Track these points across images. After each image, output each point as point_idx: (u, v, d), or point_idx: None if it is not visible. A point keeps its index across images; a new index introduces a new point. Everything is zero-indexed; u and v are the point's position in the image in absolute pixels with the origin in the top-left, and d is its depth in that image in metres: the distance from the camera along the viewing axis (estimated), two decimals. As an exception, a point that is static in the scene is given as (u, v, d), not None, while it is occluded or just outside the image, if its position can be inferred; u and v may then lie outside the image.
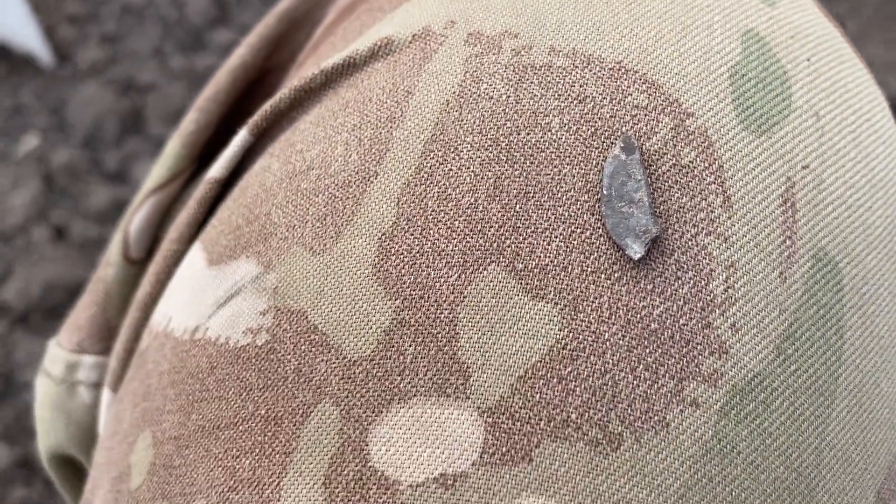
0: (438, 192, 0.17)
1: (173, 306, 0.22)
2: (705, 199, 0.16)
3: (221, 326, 0.19)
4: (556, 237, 0.16)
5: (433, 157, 0.17)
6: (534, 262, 0.16)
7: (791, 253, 0.16)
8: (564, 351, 0.16)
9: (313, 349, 0.17)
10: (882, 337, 0.17)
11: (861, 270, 0.17)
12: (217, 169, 0.22)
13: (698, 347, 0.16)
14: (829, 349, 0.17)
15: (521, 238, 0.16)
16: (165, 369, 0.20)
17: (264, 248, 0.19)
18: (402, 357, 0.16)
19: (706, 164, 0.16)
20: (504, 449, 0.16)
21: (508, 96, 0.17)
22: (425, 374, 0.16)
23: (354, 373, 0.17)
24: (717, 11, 0.18)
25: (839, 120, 0.18)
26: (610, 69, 0.17)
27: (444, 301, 0.16)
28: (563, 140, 0.17)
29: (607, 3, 0.18)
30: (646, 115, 0.16)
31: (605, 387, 0.16)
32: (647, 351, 0.16)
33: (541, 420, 0.16)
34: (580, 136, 0.16)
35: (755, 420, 0.16)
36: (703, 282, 0.16)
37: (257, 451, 0.17)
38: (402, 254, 0.17)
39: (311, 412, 0.17)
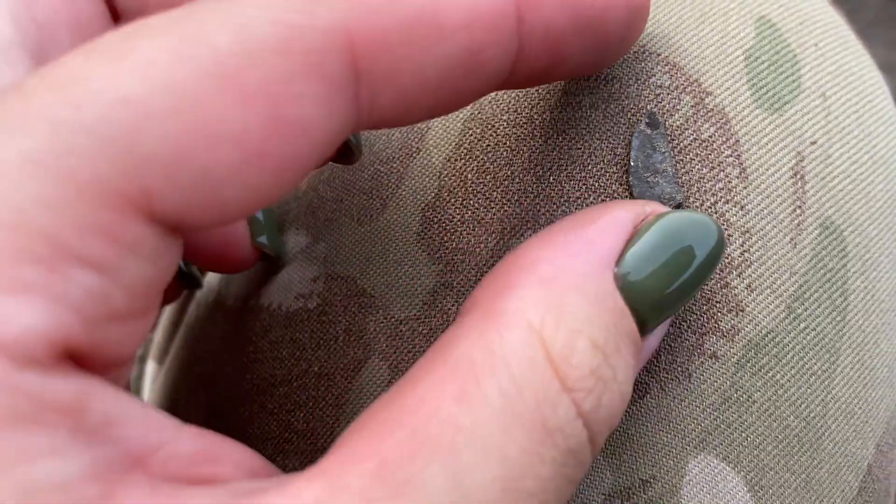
0: (477, 166, 0.18)
1: (220, 279, 0.23)
2: (723, 171, 0.18)
3: (274, 294, 0.20)
4: (587, 205, 0.18)
5: (472, 134, 0.19)
6: None
7: (801, 221, 0.18)
8: None
9: (363, 311, 0.19)
10: (882, 301, 0.19)
11: (864, 239, 0.19)
12: None
13: (717, 305, 0.17)
14: (835, 310, 0.18)
15: (555, 206, 0.18)
16: (218, 335, 0.22)
17: (313, 220, 0.20)
18: (445, 316, 0.18)
19: (724, 139, 0.18)
20: None
21: None
22: None
23: (401, 331, 0.18)
24: (732, 0, 0.19)
25: (844, 101, 0.19)
26: (635, 52, 0.18)
27: (485, 264, 0.18)
28: (593, 117, 0.18)
29: None
30: (668, 94, 0.18)
31: None
32: None
33: None
34: (609, 113, 0.18)
35: (769, 373, 0.17)
36: None
37: (311, 404, 0.19)
38: (444, 222, 0.18)
39: (361, 368, 0.18)
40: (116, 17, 0.16)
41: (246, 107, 0.11)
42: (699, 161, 0.18)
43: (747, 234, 0.17)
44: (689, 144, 0.18)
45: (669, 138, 0.18)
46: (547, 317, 0.13)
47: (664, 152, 0.18)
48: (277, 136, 0.12)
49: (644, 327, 0.15)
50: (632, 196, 0.18)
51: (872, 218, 0.19)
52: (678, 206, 0.17)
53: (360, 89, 0.12)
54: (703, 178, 0.18)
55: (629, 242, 0.15)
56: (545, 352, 0.13)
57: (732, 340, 0.17)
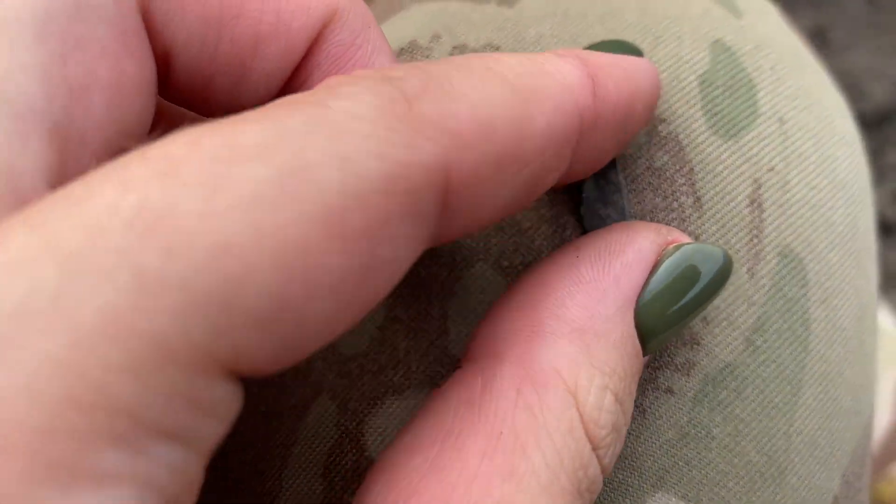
0: None
1: None
2: (677, 200, 0.17)
3: None
4: (539, 236, 0.17)
5: None
6: (518, 259, 0.17)
7: (759, 250, 0.17)
8: None
9: None
10: (845, 329, 0.18)
11: (825, 266, 0.18)
12: None
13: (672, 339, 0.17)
14: (796, 340, 0.18)
15: (507, 237, 0.17)
16: None
17: None
18: (395, 351, 0.17)
19: (678, 167, 0.17)
20: None
21: None
22: (418, 368, 0.17)
23: (350, 368, 0.18)
24: (686, 22, 0.19)
25: (802, 124, 0.19)
26: None
27: (435, 297, 0.17)
28: None
29: (583, 16, 0.19)
30: None
31: None
32: None
33: None
34: None
35: (728, 407, 0.17)
36: None
37: (259, 444, 0.18)
38: None
39: (309, 406, 0.18)
40: (170, 80, 0.14)
41: (347, 253, 0.10)
42: (652, 190, 0.17)
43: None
44: (643, 173, 0.17)
45: (623, 167, 0.17)
46: (580, 377, 0.13)
47: (616, 182, 0.17)
48: (369, 281, 0.10)
49: (644, 350, 0.15)
50: (583, 228, 0.17)
51: (833, 244, 0.18)
52: None
53: (441, 219, 0.12)
54: (657, 207, 0.17)
55: (650, 276, 0.15)
56: (580, 416, 0.13)
57: (688, 375, 0.17)
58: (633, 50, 0.17)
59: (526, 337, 0.14)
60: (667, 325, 0.15)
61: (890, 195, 0.83)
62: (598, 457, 0.13)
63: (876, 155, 0.87)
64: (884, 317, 0.54)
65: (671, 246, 0.15)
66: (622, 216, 0.17)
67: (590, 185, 0.17)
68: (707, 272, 0.15)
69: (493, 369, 0.13)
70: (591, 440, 0.13)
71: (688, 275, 0.15)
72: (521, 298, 0.14)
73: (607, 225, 0.17)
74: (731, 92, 0.18)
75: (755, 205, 0.17)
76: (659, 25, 0.18)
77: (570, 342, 0.14)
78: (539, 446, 0.12)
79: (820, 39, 0.95)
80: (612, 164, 0.17)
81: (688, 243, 0.15)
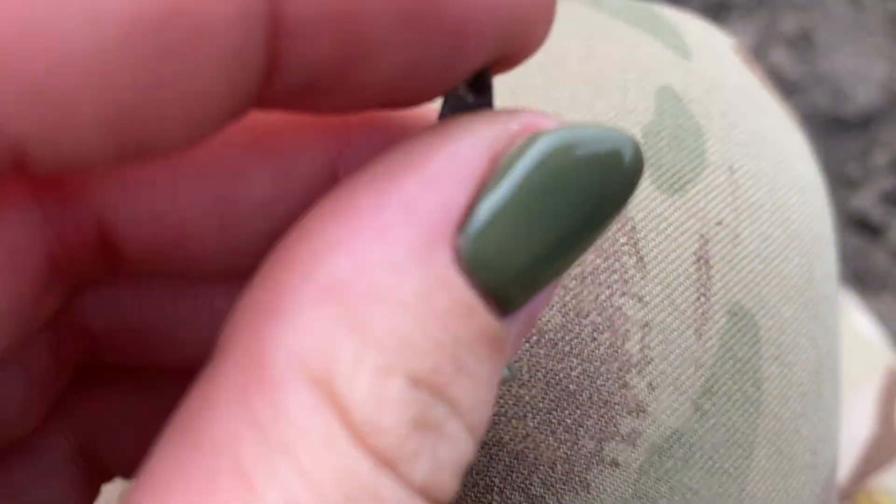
0: None
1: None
2: (619, 261, 0.16)
3: None
4: None
5: None
6: None
7: (706, 310, 0.17)
8: None
9: None
10: (801, 384, 0.18)
11: (777, 321, 0.17)
12: None
13: (616, 408, 0.16)
14: (747, 401, 0.17)
15: None
16: None
17: None
18: None
19: (619, 226, 0.17)
20: None
21: None
22: None
23: None
24: (632, 69, 0.18)
25: (754, 172, 0.18)
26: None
27: None
28: None
29: (524, 66, 0.18)
30: None
31: (526, 450, 0.16)
32: (567, 413, 0.16)
33: (464, 486, 0.16)
34: None
35: (675, 476, 0.16)
36: (619, 342, 0.16)
37: None
38: None
39: None
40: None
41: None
42: (593, 251, 0.16)
43: (647, 329, 0.16)
44: None
45: None
46: (338, 358, 0.09)
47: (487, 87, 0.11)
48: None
49: (507, 306, 0.10)
50: None
51: (787, 297, 0.18)
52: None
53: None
54: (598, 269, 0.16)
55: (483, 189, 0.09)
56: (341, 418, 0.09)
57: (634, 445, 0.16)
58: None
59: (261, 313, 0.09)
60: (529, 265, 0.10)
61: (875, 197, 0.83)
62: (400, 475, 0.09)
63: (861, 157, 0.86)
64: (864, 324, 0.54)
65: (525, 136, 0.10)
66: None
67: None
68: (592, 168, 0.10)
69: (214, 372, 0.09)
70: (372, 452, 0.09)
71: (555, 178, 0.09)
72: (276, 257, 0.10)
73: None
74: (677, 143, 0.17)
75: (702, 262, 0.17)
76: (602, 73, 0.18)
77: (320, 309, 0.09)
78: (275, 479, 0.08)
79: (805, 42, 0.95)
80: (481, 91, 0.11)
81: (550, 129, 0.10)
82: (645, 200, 0.17)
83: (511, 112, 0.10)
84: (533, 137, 0.10)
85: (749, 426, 0.17)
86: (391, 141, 0.10)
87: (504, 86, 0.18)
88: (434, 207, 0.09)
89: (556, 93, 0.17)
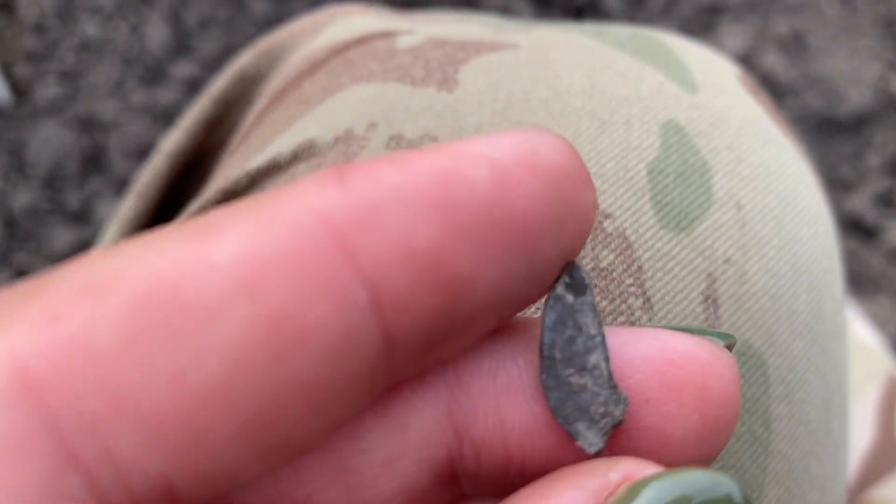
0: None
1: None
2: (625, 302, 0.16)
3: None
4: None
5: None
6: None
7: None
8: None
9: None
10: (810, 421, 0.17)
11: (786, 360, 0.17)
12: None
13: None
14: (756, 442, 0.17)
15: None
16: None
17: None
18: None
19: (625, 267, 0.16)
20: None
21: None
22: None
23: None
24: (636, 104, 0.18)
25: (761, 207, 0.17)
26: None
27: None
28: None
29: (525, 102, 0.17)
30: None
31: None
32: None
33: None
34: None
35: None
36: None
37: None
38: None
39: None
40: None
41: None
42: (599, 293, 0.16)
43: None
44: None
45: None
46: None
47: (594, 335, 0.11)
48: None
49: None
50: (548, 406, 0.11)
51: (796, 333, 0.17)
52: (618, 424, 0.11)
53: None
54: (604, 311, 0.16)
55: None
56: None
57: None
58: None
59: None
60: None
61: (868, 199, 0.83)
62: None
63: (855, 158, 0.87)
64: (864, 331, 0.54)
65: (622, 488, 0.10)
66: (607, 389, 0.11)
67: (553, 339, 0.12)
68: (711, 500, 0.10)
69: None
70: None
71: None
72: None
73: (583, 402, 0.11)
74: (682, 179, 0.17)
75: (709, 301, 0.16)
76: (606, 108, 0.17)
77: None
78: None
79: (797, 44, 0.95)
80: (587, 305, 0.12)
81: (653, 476, 0.10)
82: (651, 240, 0.16)
83: (611, 460, 0.11)
84: (636, 487, 0.10)
85: (758, 467, 0.17)
86: (499, 365, 0.12)
87: (507, 123, 0.17)
88: None
89: (559, 129, 0.17)
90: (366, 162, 0.10)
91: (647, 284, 0.16)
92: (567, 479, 0.10)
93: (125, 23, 0.99)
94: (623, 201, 0.16)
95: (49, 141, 0.91)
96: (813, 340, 0.18)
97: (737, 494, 0.10)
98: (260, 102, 0.23)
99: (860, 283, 0.78)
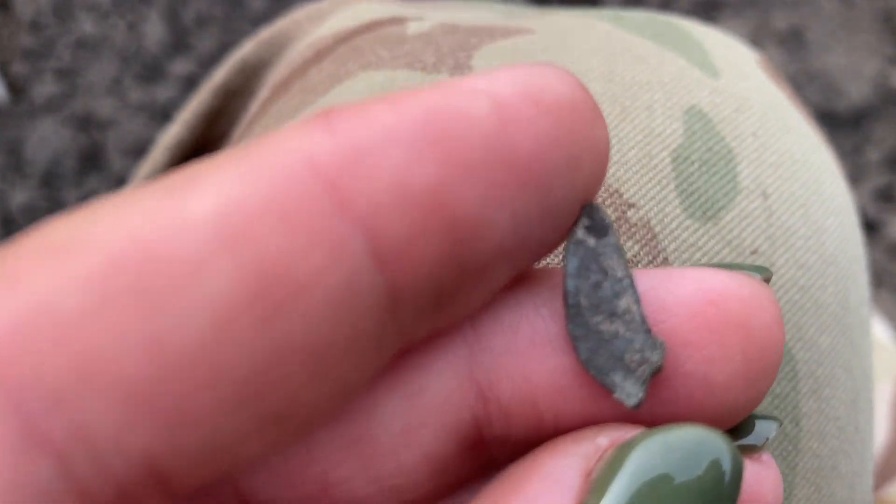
0: None
1: None
2: None
3: None
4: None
5: None
6: None
7: None
8: None
9: None
10: (839, 418, 0.17)
11: (815, 354, 0.17)
12: None
13: None
14: (785, 440, 0.16)
15: None
16: None
17: None
18: None
19: (651, 258, 0.16)
20: None
21: None
22: None
23: None
24: (658, 89, 0.17)
25: (787, 196, 0.17)
26: None
27: None
28: None
29: None
30: None
31: None
32: None
33: None
34: None
35: None
36: None
37: None
38: None
39: None
40: None
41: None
42: None
43: None
44: None
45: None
46: None
47: (622, 278, 0.11)
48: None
49: None
50: (578, 358, 0.11)
51: (824, 327, 0.17)
52: (657, 371, 0.11)
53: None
54: None
55: None
56: None
57: None
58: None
59: None
60: None
61: (869, 193, 0.83)
62: None
63: (854, 153, 0.86)
64: (876, 326, 0.53)
65: (610, 451, 0.10)
66: (640, 333, 0.11)
67: (577, 285, 0.11)
68: (693, 482, 0.09)
69: None
70: None
71: (651, 491, 0.09)
72: None
73: (617, 349, 0.11)
74: (708, 167, 0.16)
75: None
76: (626, 94, 0.17)
77: None
78: None
79: (796, 40, 0.95)
80: (611, 246, 0.11)
81: (641, 437, 0.10)
82: (677, 230, 0.16)
83: (597, 426, 0.10)
84: (623, 450, 0.10)
85: (788, 467, 0.16)
86: (521, 317, 0.11)
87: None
88: None
89: None
90: (355, 103, 0.09)
91: None
92: (555, 449, 0.10)
93: (122, 20, 0.99)
94: (647, 190, 0.16)
95: (46, 139, 0.91)
96: (841, 333, 0.17)
97: (726, 459, 0.09)
98: (263, 92, 0.23)
99: (862, 278, 0.78)
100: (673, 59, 0.18)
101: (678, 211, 0.16)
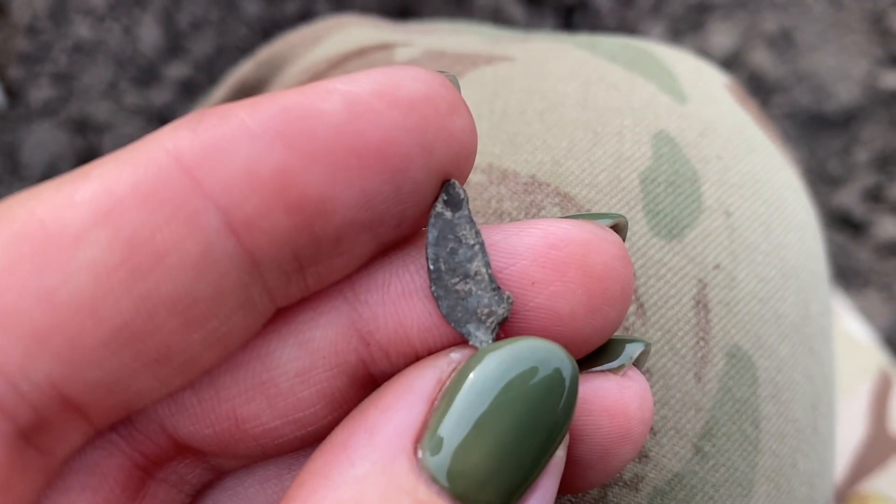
0: None
1: None
2: None
3: None
4: None
5: None
6: None
7: (705, 354, 0.17)
8: None
9: None
10: (797, 420, 0.18)
11: (774, 361, 0.18)
12: None
13: None
14: (746, 441, 0.17)
15: None
16: None
17: None
18: None
19: None
20: None
21: None
22: None
23: None
24: (628, 115, 0.18)
25: (750, 213, 0.18)
26: (524, 183, 0.17)
27: None
28: None
29: (521, 113, 0.18)
30: None
31: None
32: None
33: None
34: None
35: None
36: None
37: None
38: None
39: None
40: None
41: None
42: None
43: (647, 375, 0.17)
44: None
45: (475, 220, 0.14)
46: None
47: (472, 244, 0.13)
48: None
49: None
50: (440, 313, 0.13)
51: (784, 335, 0.18)
52: (503, 321, 0.13)
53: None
54: None
55: (433, 412, 0.11)
56: None
57: (637, 489, 0.16)
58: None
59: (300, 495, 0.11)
60: (487, 470, 0.11)
61: (857, 194, 0.84)
62: None
63: (843, 154, 0.87)
64: (856, 326, 0.54)
65: (461, 364, 0.12)
66: (489, 291, 0.13)
67: (436, 252, 0.13)
68: (534, 386, 0.11)
69: None
70: None
71: (501, 394, 0.11)
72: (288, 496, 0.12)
73: (470, 305, 0.13)
74: (674, 188, 0.18)
75: (700, 306, 0.17)
76: (599, 120, 0.18)
77: None
78: None
79: (785, 41, 0.96)
80: (464, 218, 0.13)
81: (492, 347, 0.12)
82: (644, 247, 0.17)
83: (453, 347, 0.13)
84: (472, 361, 0.12)
85: (748, 465, 0.17)
86: (391, 275, 0.13)
87: (504, 134, 0.18)
88: (391, 429, 0.11)
89: (554, 141, 0.18)
90: (227, 105, 0.11)
91: (640, 291, 0.17)
92: (416, 365, 0.12)
93: (118, 24, 0.99)
94: (617, 210, 0.17)
95: (43, 143, 0.92)
96: (800, 341, 0.18)
97: (567, 368, 0.11)
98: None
99: (849, 277, 0.79)
100: (643, 85, 0.19)
101: (646, 230, 0.17)
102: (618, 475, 0.16)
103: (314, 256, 0.12)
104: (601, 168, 0.17)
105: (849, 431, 0.46)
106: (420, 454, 0.11)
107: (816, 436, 0.19)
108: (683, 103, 0.19)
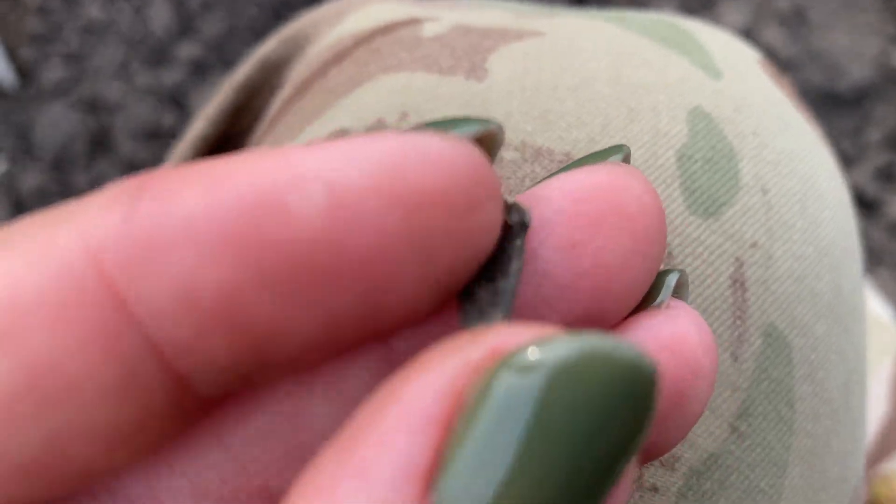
0: None
1: None
2: None
3: None
4: None
5: None
6: None
7: (742, 332, 0.17)
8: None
9: None
10: (832, 399, 0.18)
11: (810, 340, 0.18)
12: None
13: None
14: (780, 421, 0.17)
15: None
16: None
17: None
18: None
19: None
20: None
21: None
22: None
23: None
24: (663, 91, 0.18)
25: (785, 191, 0.18)
26: (559, 161, 0.17)
27: None
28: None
29: (553, 90, 0.18)
30: None
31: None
32: None
33: None
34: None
35: (712, 497, 0.16)
36: None
37: None
38: None
39: None
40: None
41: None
42: None
43: None
44: None
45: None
46: None
47: (512, 273, 0.10)
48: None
49: None
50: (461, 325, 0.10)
51: (819, 314, 0.18)
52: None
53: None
54: None
55: (447, 441, 0.08)
56: None
57: (673, 469, 0.16)
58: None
59: None
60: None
61: (869, 173, 0.84)
62: None
63: (855, 133, 0.87)
64: (876, 305, 0.54)
65: (487, 366, 0.08)
66: (505, 312, 0.10)
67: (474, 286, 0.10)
68: (592, 402, 0.08)
69: None
70: None
71: (536, 417, 0.08)
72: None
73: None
74: (710, 165, 0.17)
75: (738, 285, 0.17)
76: (633, 96, 0.18)
77: None
78: None
79: (798, 20, 0.95)
80: (517, 249, 0.10)
81: (506, 360, 0.08)
82: (681, 226, 0.17)
83: (476, 334, 0.08)
84: (500, 368, 0.08)
85: (783, 445, 0.17)
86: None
87: (536, 111, 0.18)
88: (389, 471, 0.08)
89: (588, 117, 0.17)
90: (178, 175, 0.09)
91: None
92: (422, 365, 0.08)
93: (128, 5, 0.99)
94: (654, 188, 0.17)
95: (55, 123, 0.92)
96: (835, 320, 0.18)
97: (644, 369, 0.08)
98: (285, 90, 0.23)
99: (863, 257, 0.79)
100: (677, 61, 0.19)
101: (682, 208, 0.17)
102: None
103: (263, 374, 0.09)
104: (638, 145, 0.17)
105: (870, 412, 0.46)
106: (434, 498, 0.08)
107: (849, 414, 0.19)
108: (718, 79, 0.19)
